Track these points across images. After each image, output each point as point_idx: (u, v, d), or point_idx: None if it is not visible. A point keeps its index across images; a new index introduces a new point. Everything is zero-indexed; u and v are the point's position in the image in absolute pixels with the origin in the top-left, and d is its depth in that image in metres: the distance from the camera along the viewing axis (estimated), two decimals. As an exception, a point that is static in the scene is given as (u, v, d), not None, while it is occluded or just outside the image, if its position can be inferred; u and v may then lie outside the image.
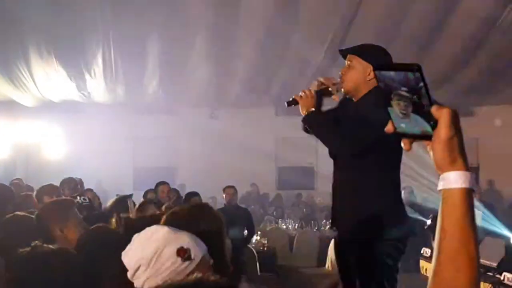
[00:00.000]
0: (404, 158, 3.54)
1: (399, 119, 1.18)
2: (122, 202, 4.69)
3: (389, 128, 1.21)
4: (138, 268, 1.91)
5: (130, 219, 2.88)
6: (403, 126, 1.19)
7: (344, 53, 3.59)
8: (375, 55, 3.39)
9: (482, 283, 5.43)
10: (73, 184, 6.98)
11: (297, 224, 11.85)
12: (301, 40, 10.58)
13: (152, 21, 10.06)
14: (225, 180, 14.72)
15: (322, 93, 3.55)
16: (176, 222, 2.24)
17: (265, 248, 9.95)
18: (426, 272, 6.89)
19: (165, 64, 11.53)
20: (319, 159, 14.78)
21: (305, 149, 15.51)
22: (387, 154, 3.38)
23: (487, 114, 15.75)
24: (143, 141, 15.91)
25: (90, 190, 7.49)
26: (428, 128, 1.17)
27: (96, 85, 12.60)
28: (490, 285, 5.25)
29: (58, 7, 9.44)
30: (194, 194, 7.51)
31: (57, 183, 6.51)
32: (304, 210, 13.56)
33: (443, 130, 1.16)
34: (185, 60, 11.41)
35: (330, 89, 3.55)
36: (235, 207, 9.05)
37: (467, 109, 16.04)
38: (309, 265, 10.61)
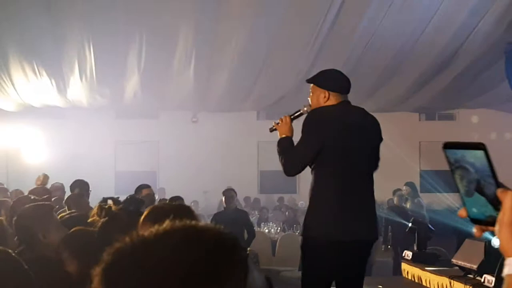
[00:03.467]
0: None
1: (467, 199, 1.16)
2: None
3: (461, 213, 1.18)
4: None
5: (111, 209, 2.83)
6: (474, 211, 1.16)
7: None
8: (326, 82, 4.00)
9: (463, 286, 5.48)
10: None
11: (279, 228, 11.86)
12: (283, 46, 10.62)
13: (133, 25, 10.02)
14: (206, 184, 14.78)
15: (298, 116, 4.14)
16: (157, 217, 2.25)
17: (248, 252, 9.95)
18: (407, 275, 6.93)
19: (146, 67, 11.49)
20: (301, 162, 14.79)
21: (287, 152, 15.54)
22: (328, 164, 3.94)
23: (464, 118, 15.95)
24: (125, 145, 15.84)
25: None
26: (493, 212, 1.14)
27: (77, 89, 12.52)
28: (471, 287, 5.29)
29: (38, 11, 9.38)
30: (177, 198, 7.49)
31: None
32: (287, 213, 13.57)
33: (507, 213, 1.12)
34: (166, 63, 11.38)
35: (301, 112, 4.12)
36: (234, 210, 9.05)
37: (444, 112, 16.26)
38: (292, 268, 10.63)
